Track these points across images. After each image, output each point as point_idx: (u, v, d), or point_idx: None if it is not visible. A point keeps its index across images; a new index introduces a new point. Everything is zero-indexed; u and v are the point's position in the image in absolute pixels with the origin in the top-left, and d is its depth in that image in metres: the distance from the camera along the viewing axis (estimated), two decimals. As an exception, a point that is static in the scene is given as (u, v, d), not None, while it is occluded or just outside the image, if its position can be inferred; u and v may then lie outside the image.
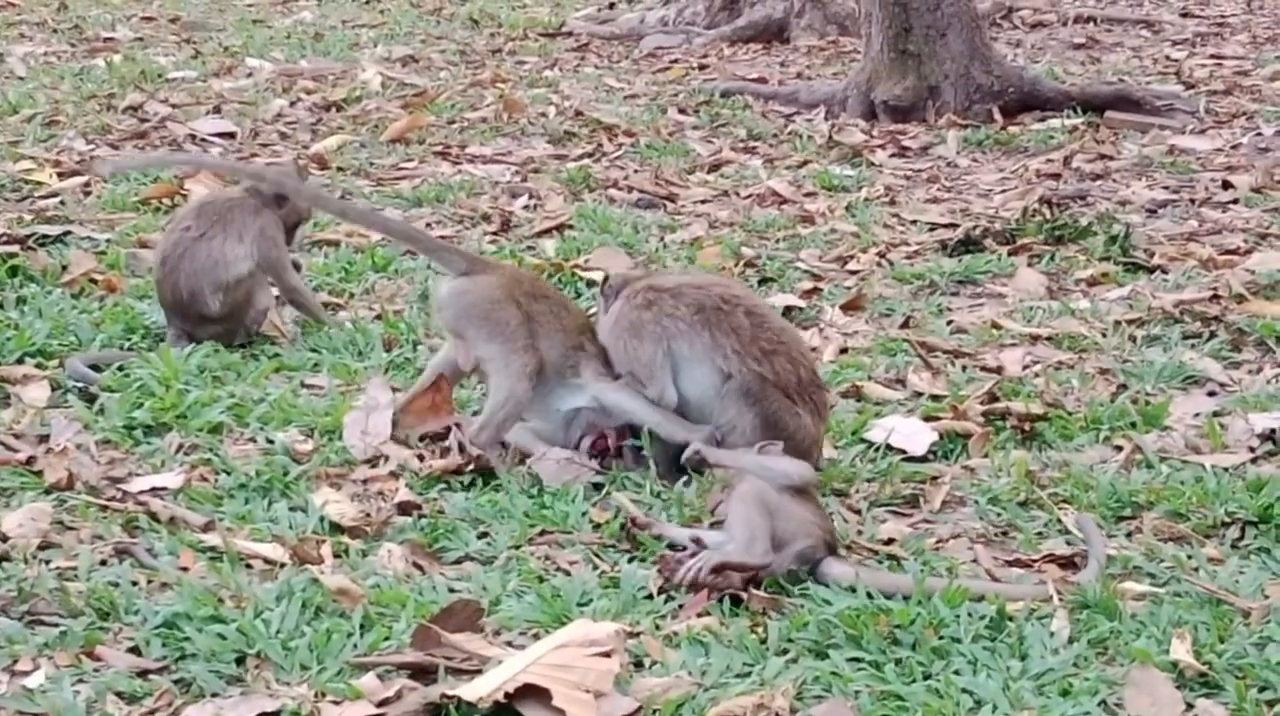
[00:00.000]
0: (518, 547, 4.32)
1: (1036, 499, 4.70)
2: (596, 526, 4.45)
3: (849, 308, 6.47)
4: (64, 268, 6.44)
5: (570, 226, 7.48)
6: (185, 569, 4.10)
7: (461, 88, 10.73)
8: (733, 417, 4.75)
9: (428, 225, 7.43)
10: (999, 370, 5.77)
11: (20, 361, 5.49)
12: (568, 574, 4.17)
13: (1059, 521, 4.56)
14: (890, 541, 4.42)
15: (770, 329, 4.84)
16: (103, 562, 4.14)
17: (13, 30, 12.65)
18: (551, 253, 7.01)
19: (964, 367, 5.81)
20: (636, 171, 8.70)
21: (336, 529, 4.39)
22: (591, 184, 8.38)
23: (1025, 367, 5.82)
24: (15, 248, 6.63)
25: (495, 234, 7.36)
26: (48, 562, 4.11)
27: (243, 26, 13.15)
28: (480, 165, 8.75)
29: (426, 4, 14.73)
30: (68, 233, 6.96)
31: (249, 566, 4.15)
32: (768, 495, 4.18)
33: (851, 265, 7.08)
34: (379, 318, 6.05)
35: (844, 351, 5.98)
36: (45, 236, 6.86)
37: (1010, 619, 3.93)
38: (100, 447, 4.89)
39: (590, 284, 6.56)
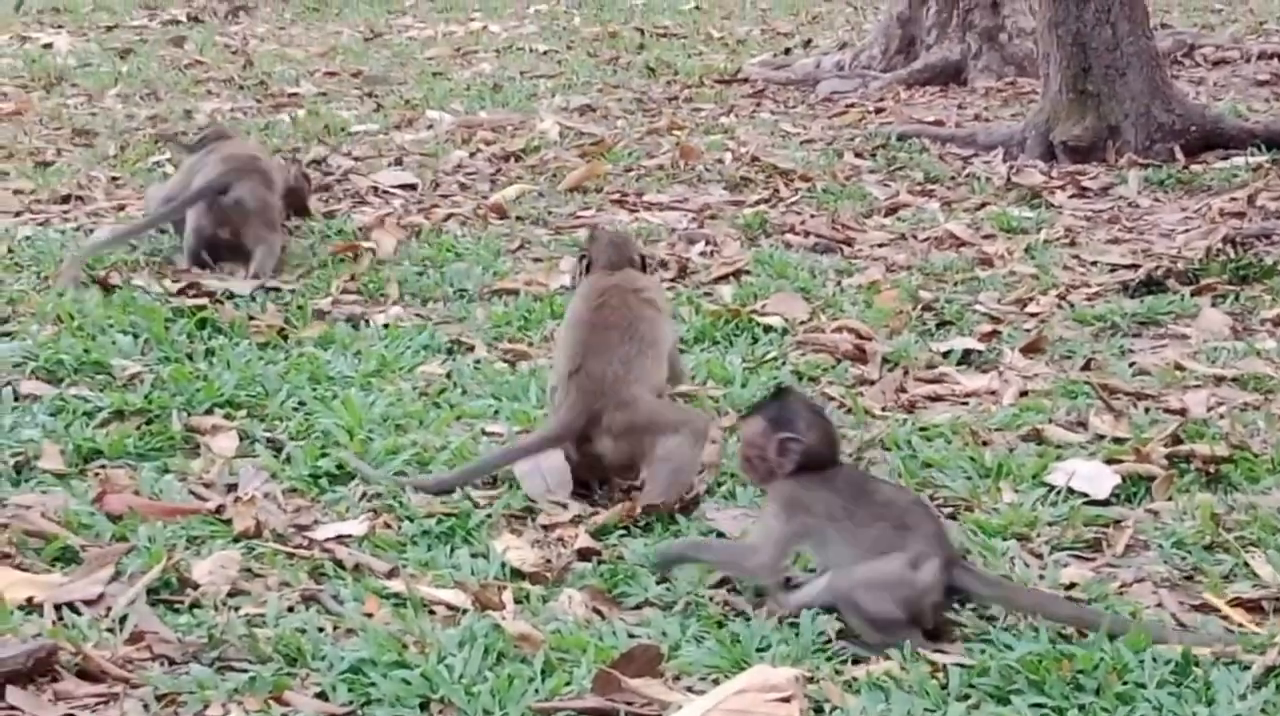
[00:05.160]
0: (697, 593, 4.33)
1: (1223, 542, 4.63)
2: (775, 571, 4.45)
3: (1029, 350, 6.42)
4: (250, 318, 6.57)
5: (747, 272, 7.49)
6: (370, 615, 4.16)
7: (638, 136, 10.79)
8: None
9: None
10: (1182, 412, 5.70)
11: (209, 412, 5.61)
12: (747, 619, 4.18)
13: (1246, 565, 4.49)
14: (1072, 586, 4.38)
15: None
16: (290, 609, 4.21)
17: (200, 87, 12.92)
18: (729, 299, 7.03)
19: (1146, 410, 5.74)
20: (813, 216, 8.69)
21: (517, 575, 4.43)
22: (768, 229, 8.39)
23: (1210, 409, 5.73)
24: (204, 300, 6.78)
25: (673, 281, 7.39)
26: (237, 609, 4.19)
27: (423, 79, 13.33)
28: (657, 212, 8.80)
29: (604, 54, 14.84)
30: (260, 287, 7.08)
31: (432, 612, 4.21)
32: None
33: (1031, 307, 7.03)
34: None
35: (1024, 394, 5.94)
36: (233, 293, 6.97)
37: (1196, 663, 3.87)
38: (286, 496, 4.98)
39: (768, 329, 6.58)
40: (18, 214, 8.54)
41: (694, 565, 4.40)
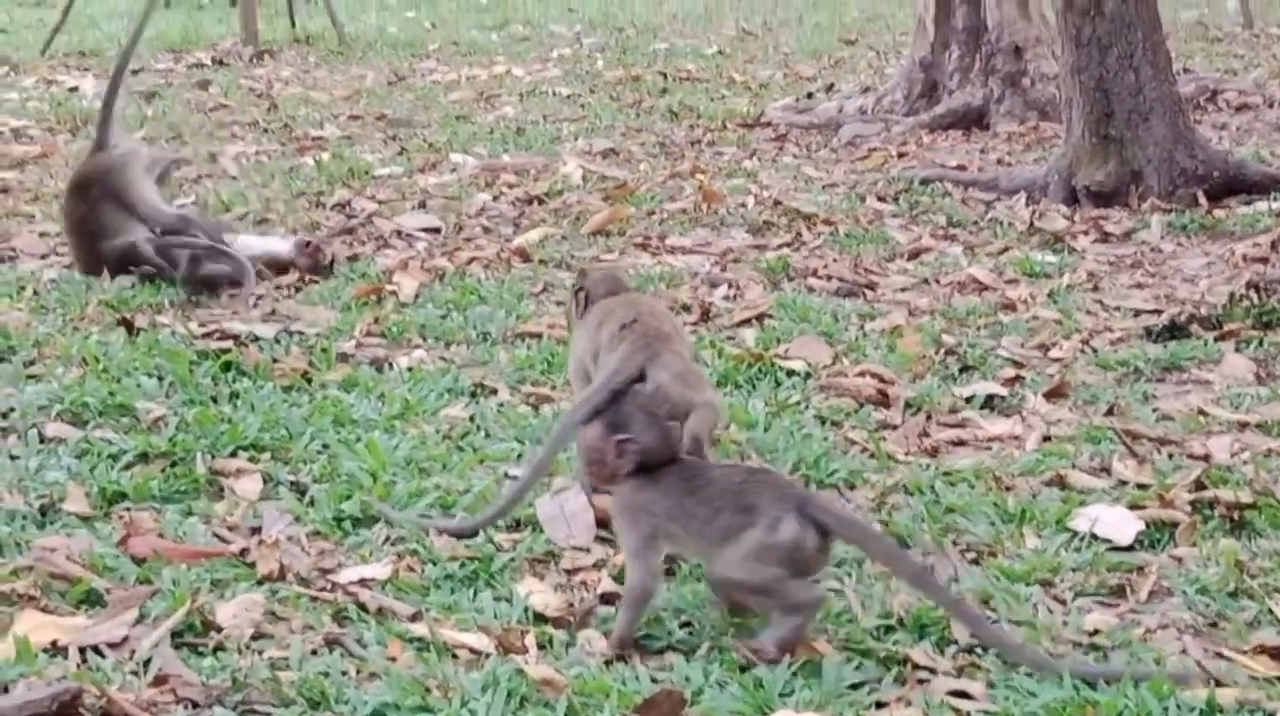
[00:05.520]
0: (720, 638, 4.33)
1: (1247, 589, 4.62)
2: (798, 617, 4.45)
3: (1052, 395, 6.42)
4: (275, 361, 6.59)
5: (770, 316, 7.50)
6: (393, 658, 4.16)
7: (661, 179, 10.82)
8: None
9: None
10: (1206, 458, 5.69)
11: (233, 455, 5.62)
12: (770, 664, 4.17)
13: (1270, 612, 4.48)
14: (1096, 632, 4.37)
15: None
16: (313, 652, 4.22)
17: (225, 131, 12.98)
18: (751, 342, 7.04)
19: (1170, 455, 5.73)
20: (835, 260, 8.71)
21: (540, 619, 4.44)
22: (791, 273, 8.40)
23: (1233, 455, 5.73)
24: (228, 343, 6.80)
25: (695, 324, 7.40)
26: (260, 652, 4.20)
27: (447, 123, 13.38)
28: (680, 256, 8.82)
29: (626, 98, 14.89)
30: (283, 330, 7.11)
31: (455, 656, 4.21)
32: None
33: (1054, 352, 7.03)
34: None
35: (1047, 439, 5.93)
36: (257, 336, 6.99)
37: (1221, 711, 3.86)
38: (310, 539, 4.99)
39: (790, 373, 6.58)
40: (43, 256, 8.59)
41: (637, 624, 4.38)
